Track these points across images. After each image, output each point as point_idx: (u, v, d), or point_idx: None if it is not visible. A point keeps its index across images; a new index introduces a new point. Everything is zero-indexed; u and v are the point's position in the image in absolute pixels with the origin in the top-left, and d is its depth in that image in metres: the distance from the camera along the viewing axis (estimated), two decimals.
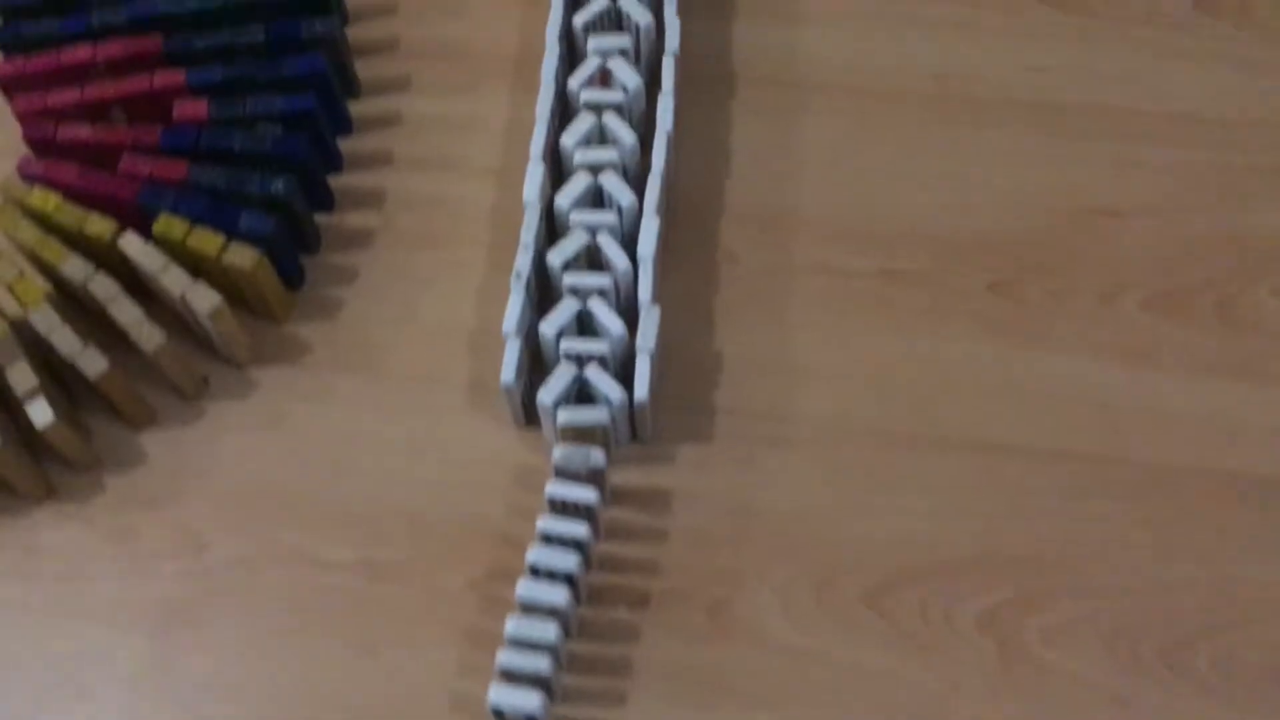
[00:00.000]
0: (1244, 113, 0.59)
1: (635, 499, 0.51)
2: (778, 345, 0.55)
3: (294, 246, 0.57)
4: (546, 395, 0.49)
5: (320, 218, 0.59)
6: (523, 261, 0.52)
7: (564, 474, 0.48)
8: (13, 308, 0.51)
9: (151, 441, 0.54)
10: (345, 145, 0.61)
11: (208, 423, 0.54)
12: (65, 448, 0.51)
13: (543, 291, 0.54)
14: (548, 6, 0.59)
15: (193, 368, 0.54)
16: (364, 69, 0.63)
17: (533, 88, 0.60)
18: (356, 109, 0.62)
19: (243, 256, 0.52)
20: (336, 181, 0.60)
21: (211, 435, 0.54)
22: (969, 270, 0.56)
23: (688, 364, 0.54)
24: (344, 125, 0.61)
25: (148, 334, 0.51)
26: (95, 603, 0.50)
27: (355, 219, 0.59)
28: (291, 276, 0.57)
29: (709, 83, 0.61)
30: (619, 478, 0.51)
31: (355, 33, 0.64)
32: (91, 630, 0.50)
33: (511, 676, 0.45)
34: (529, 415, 0.53)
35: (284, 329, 0.56)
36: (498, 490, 0.52)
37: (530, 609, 0.46)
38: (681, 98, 0.58)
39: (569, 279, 0.51)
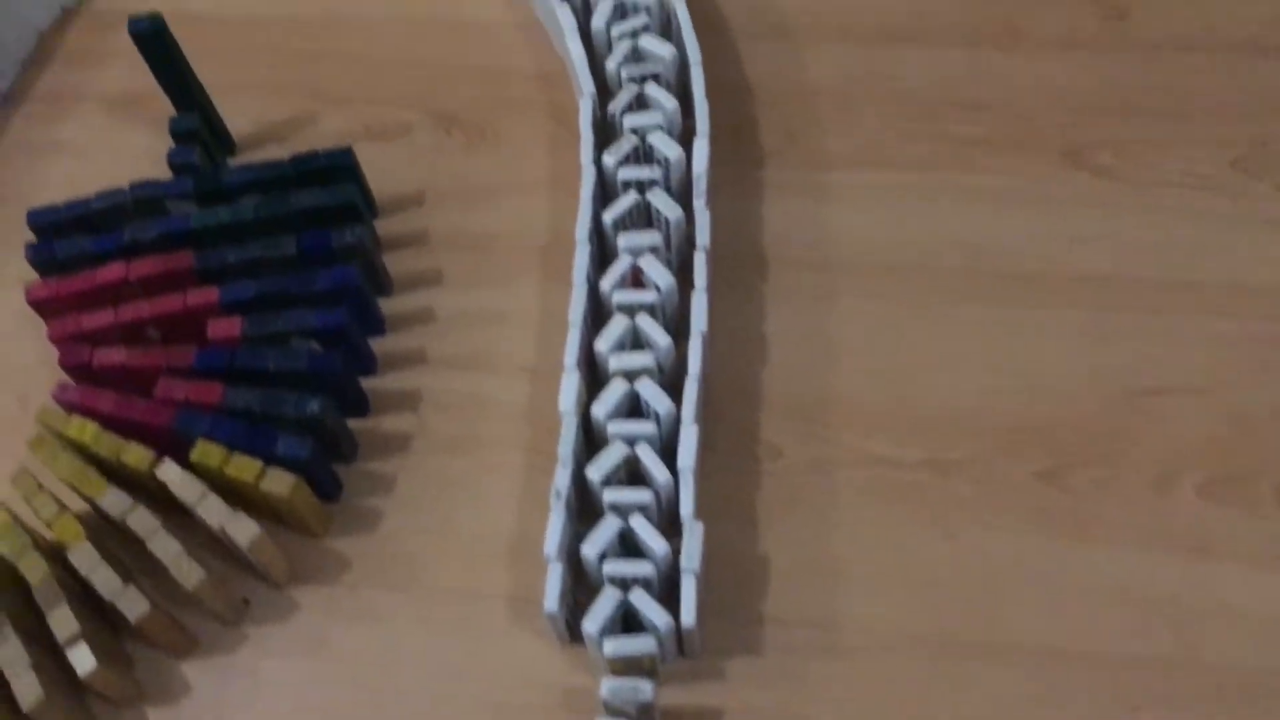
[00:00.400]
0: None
1: (685, 718, 0.50)
2: (823, 546, 0.53)
3: (330, 460, 0.56)
4: (591, 624, 0.48)
5: (355, 422, 0.58)
6: (562, 479, 0.51)
7: (613, 710, 0.47)
8: (48, 539, 0.51)
9: (194, 670, 0.53)
10: (378, 345, 0.61)
11: (250, 648, 0.53)
12: (107, 689, 0.51)
13: (582, 500, 0.53)
14: (574, 196, 0.59)
15: (233, 592, 0.54)
16: (394, 263, 0.63)
17: (562, 278, 0.60)
18: (388, 306, 0.62)
19: (280, 483, 0.52)
20: (370, 383, 0.60)
21: (254, 661, 0.53)
22: (1015, 459, 0.55)
23: (732, 570, 0.53)
24: (376, 326, 0.61)
25: (187, 570, 0.50)
26: None
27: (390, 423, 0.59)
28: (328, 489, 0.56)
29: (738, 265, 0.61)
30: (668, 698, 0.50)
31: (384, 226, 0.64)
32: None
33: None
34: (574, 633, 0.52)
35: (323, 543, 0.56)
36: (544, 712, 0.51)
37: None
38: (712, 283, 0.57)
39: (609, 496, 0.51)
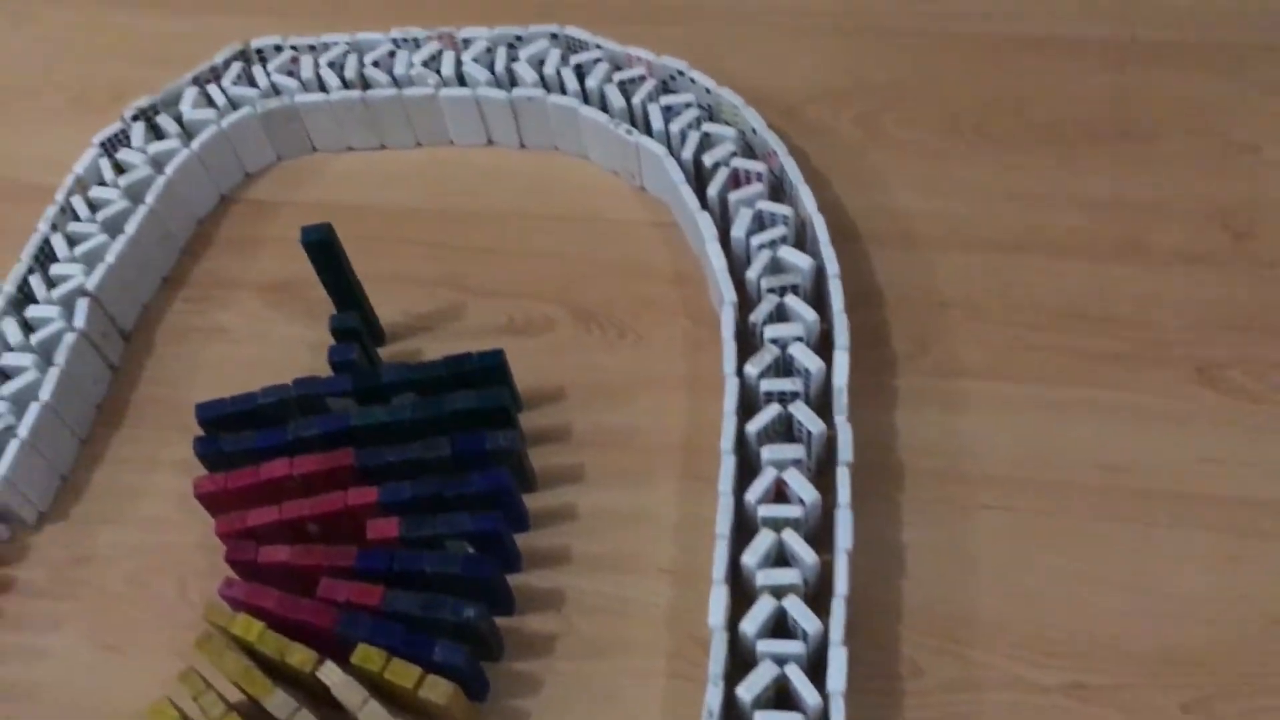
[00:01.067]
0: None
1: None
2: None
3: (480, 661, 0.58)
4: None
5: (502, 620, 0.60)
6: (714, 698, 0.53)
7: None
8: None
9: None
10: (523, 540, 0.62)
11: None
12: None
13: (727, 714, 0.54)
14: (711, 395, 0.62)
15: None
16: (537, 457, 0.65)
17: (699, 477, 0.63)
18: (532, 501, 0.64)
19: (438, 691, 0.53)
20: (516, 579, 0.61)
21: None
22: (1158, 687, 0.55)
23: None
24: (522, 523, 0.63)
25: None
26: None
27: (536, 622, 0.60)
28: (478, 690, 0.58)
29: (873, 473, 0.62)
30: None
31: (527, 419, 0.67)
32: None
33: None
34: None
35: None
36: None
37: None
38: (853, 498, 0.59)
39: (761, 718, 0.52)
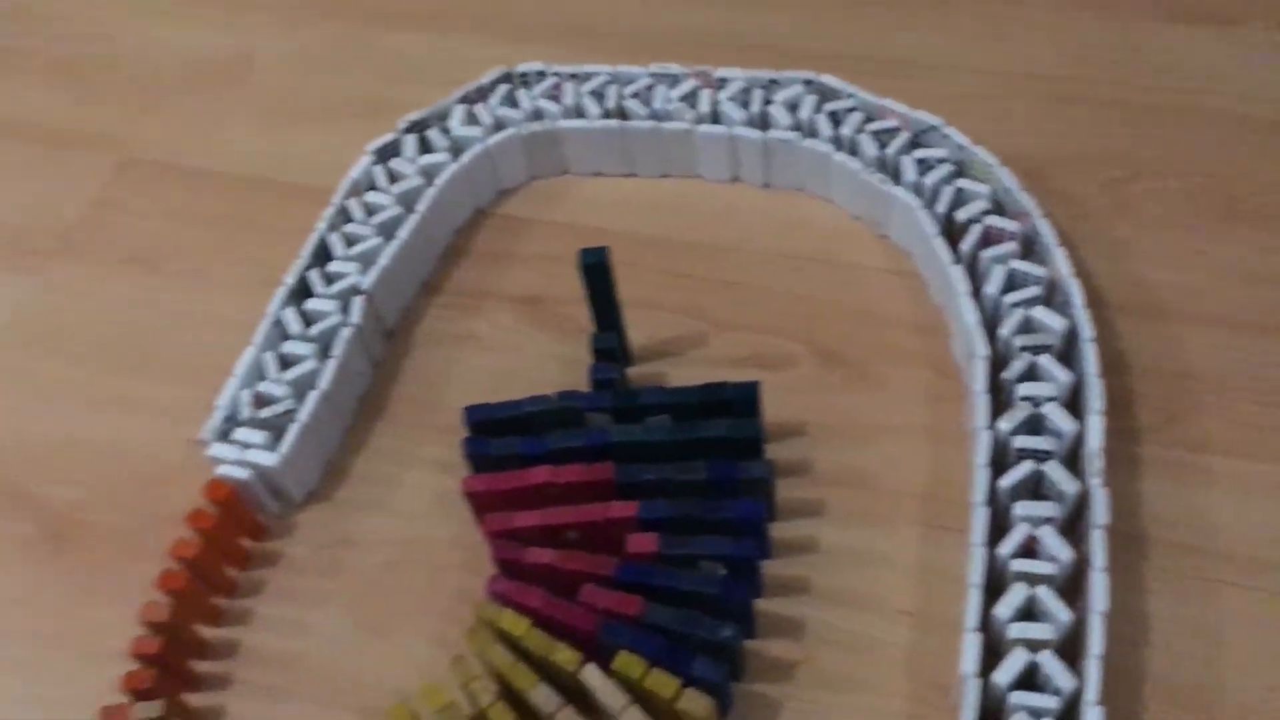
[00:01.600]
0: None
1: None
2: None
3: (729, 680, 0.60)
4: None
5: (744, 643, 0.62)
6: None
7: None
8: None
9: None
10: (764, 569, 0.65)
11: None
12: None
13: None
14: (953, 447, 0.64)
15: None
16: (778, 489, 0.67)
17: (940, 526, 0.64)
18: (773, 531, 0.66)
19: (697, 704, 0.56)
20: (758, 605, 0.64)
21: None
22: None
23: None
24: (765, 551, 0.65)
25: None
26: None
27: (776, 648, 0.62)
28: (723, 704, 0.60)
29: (1118, 541, 0.63)
30: None
31: (768, 451, 0.69)
32: None
33: None
34: None
35: None
36: None
37: None
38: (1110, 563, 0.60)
39: None
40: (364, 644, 0.65)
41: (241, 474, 0.67)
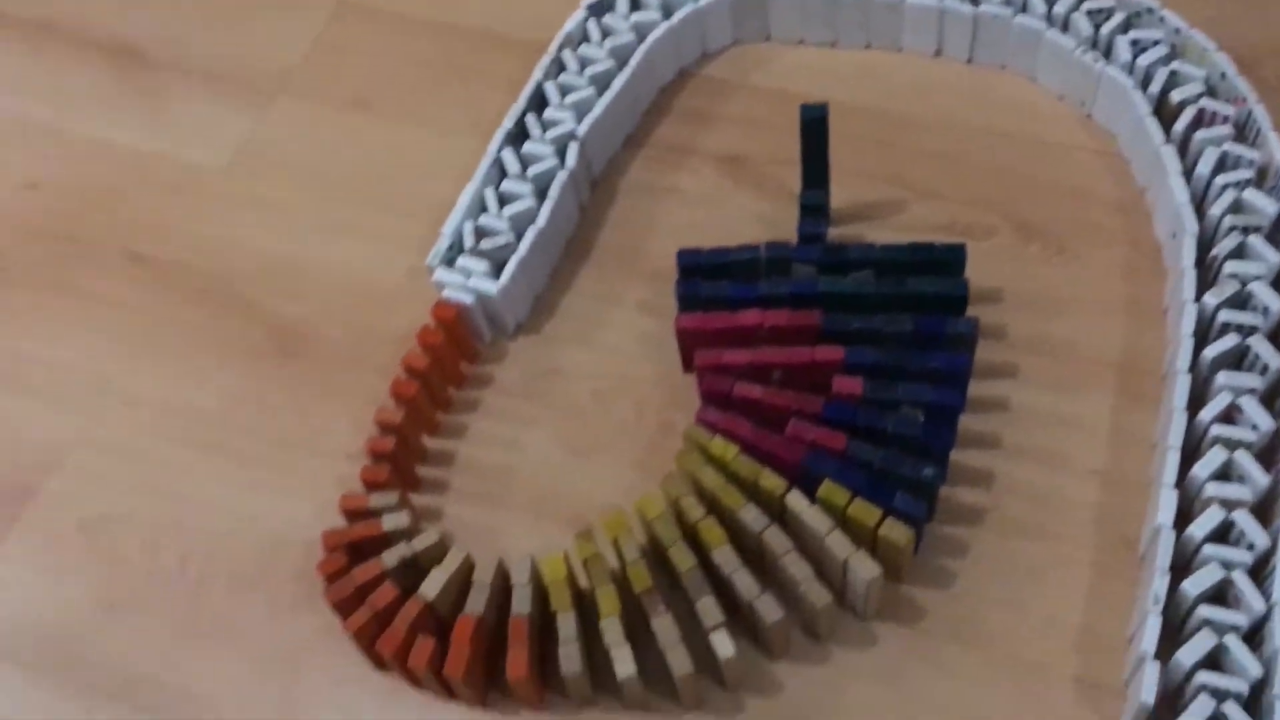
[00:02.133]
0: None
1: None
2: None
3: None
4: None
5: None
6: (1161, 586, 0.57)
7: None
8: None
9: (786, 673, 0.61)
10: (959, 423, 0.67)
11: (833, 666, 0.61)
12: (731, 672, 0.59)
13: (1167, 611, 0.58)
14: (1150, 325, 0.67)
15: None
16: (976, 352, 0.70)
17: (1135, 397, 0.66)
18: (969, 390, 0.69)
19: (898, 533, 0.59)
20: (951, 455, 0.66)
21: (837, 679, 0.61)
22: None
23: None
24: (964, 381, 0.68)
25: (817, 592, 0.59)
26: None
27: (967, 495, 0.66)
28: (916, 538, 0.63)
29: None
30: None
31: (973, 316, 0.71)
32: None
33: None
34: None
35: (901, 589, 0.63)
36: None
37: None
38: None
39: (1205, 612, 0.56)
40: (571, 464, 0.70)
41: (466, 298, 0.71)
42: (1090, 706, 0.58)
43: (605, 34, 0.82)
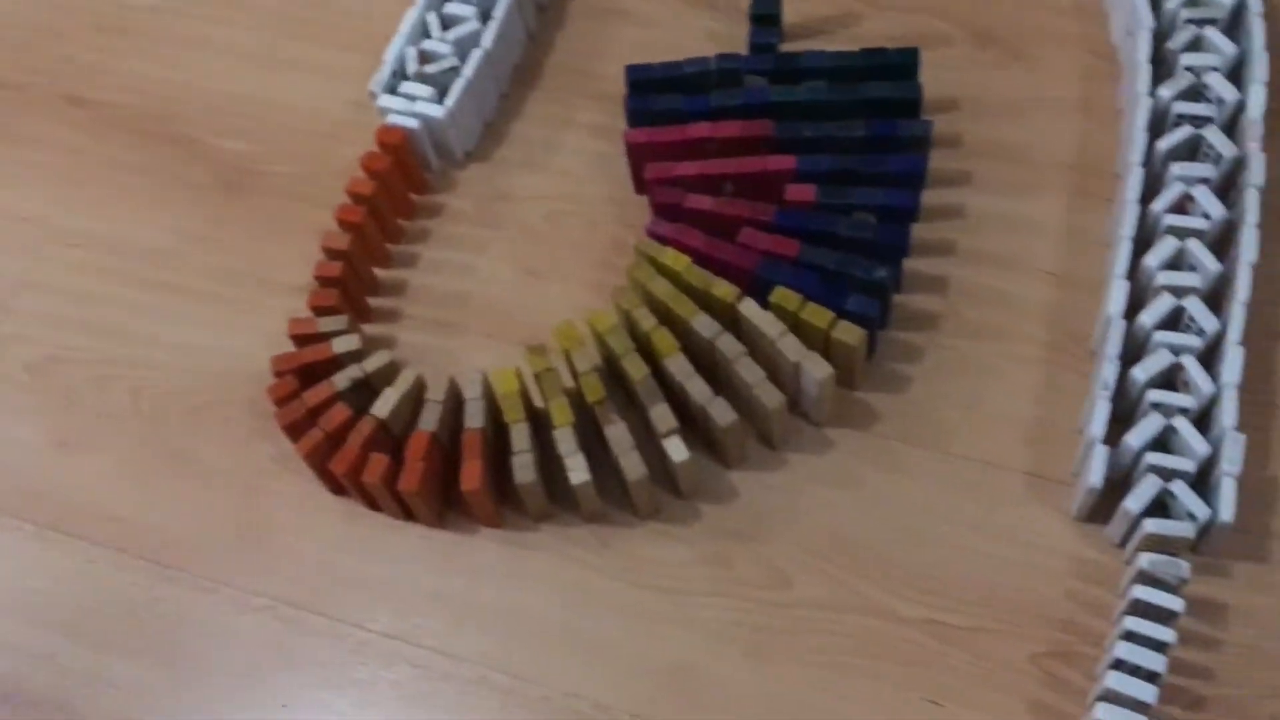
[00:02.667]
0: None
1: (1195, 607, 0.55)
2: None
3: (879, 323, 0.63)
4: (1134, 504, 0.54)
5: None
6: (1109, 373, 0.57)
7: (1151, 581, 0.52)
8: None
9: (741, 481, 0.62)
10: (912, 231, 0.67)
11: (789, 472, 0.62)
12: (686, 478, 0.60)
13: (1116, 402, 0.58)
14: (1104, 124, 0.65)
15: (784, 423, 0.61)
16: (930, 161, 0.69)
17: (1088, 196, 0.66)
18: (923, 198, 0.68)
19: (850, 334, 0.59)
20: (904, 264, 0.66)
21: (793, 484, 0.61)
22: None
23: (1245, 487, 0.57)
24: (915, 211, 0.67)
25: (770, 393, 0.59)
26: (696, 615, 0.58)
27: (921, 301, 0.65)
28: (869, 344, 0.63)
29: (1270, 212, 0.64)
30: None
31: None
32: (693, 639, 0.58)
33: None
34: (1091, 513, 0.57)
35: (856, 395, 0.63)
36: (1056, 576, 0.57)
37: (1119, 700, 0.50)
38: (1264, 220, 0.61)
39: (1155, 396, 0.56)
40: (524, 286, 0.69)
41: (411, 123, 0.70)
42: (1039, 498, 0.59)
43: None
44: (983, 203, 0.68)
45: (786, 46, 0.74)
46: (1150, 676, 0.51)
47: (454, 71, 0.71)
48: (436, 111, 0.70)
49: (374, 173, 0.68)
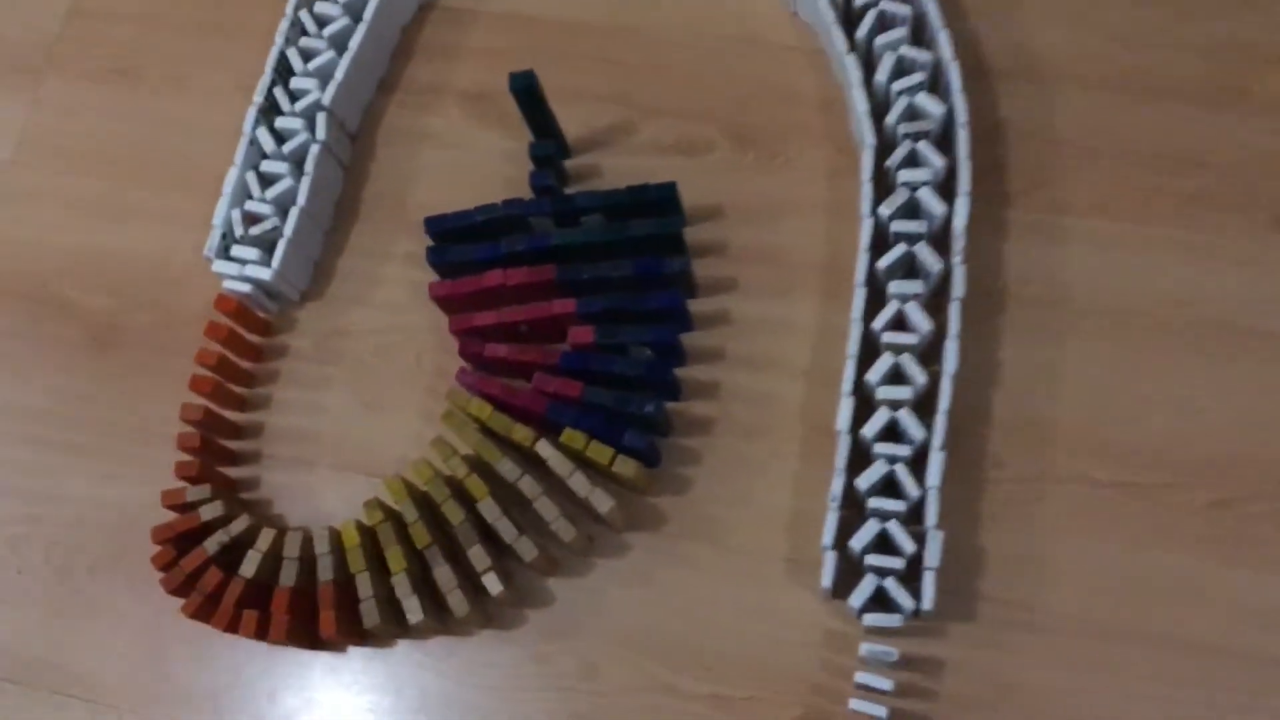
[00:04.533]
0: None
1: (916, 664, 0.69)
2: (1032, 544, 0.70)
3: (655, 439, 0.75)
4: (855, 600, 0.67)
5: (670, 405, 0.76)
6: (837, 487, 0.69)
7: (867, 664, 0.66)
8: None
9: (558, 586, 0.74)
10: (688, 340, 0.77)
11: (597, 575, 0.74)
12: (503, 604, 0.72)
13: (847, 498, 0.70)
14: (849, 220, 0.75)
15: (584, 534, 0.73)
16: (699, 268, 0.79)
17: (836, 293, 0.76)
18: (695, 306, 0.78)
19: (627, 467, 0.71)
20: (682, 372, 0.77)
21: (598, 586, 0.74)
22: (1197, 486, 0.70)
23: (958, 555, 0.70)
24: (687, 326, 0.78)
25: (564, 528, 0.70)
26: (521, 709, 0.72)
27: (698, 408, 0.77)
28: (653, 460, 0.75)
29: (983, 296, 0.75)
30: (903, 647, 0.69)
31: (691, 233, 0.79)
32: None
33: None
34: (835, 593, 0.70)
35: (647, 500, 0.75)
36: (811, 648, 0.70)
37: None
38: (963, 330, 0.72)
39: (874, 503, 0.68)
40: (365, 418, 0.80)
41: (244, 288, 0.79)
42: (797, 580, 0.72)
43: None
44: (747, 308, 0.78)
45: (574, 162, 0.83)
46: None
47: (277, 230, 0.80)
48: (265, 274, 0.79)
49: (219, 339, 0.78)
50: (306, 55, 0.84)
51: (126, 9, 0.93)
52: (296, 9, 0.85)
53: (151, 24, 0.93)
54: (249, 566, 0.72)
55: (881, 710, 0.66)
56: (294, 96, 0.83)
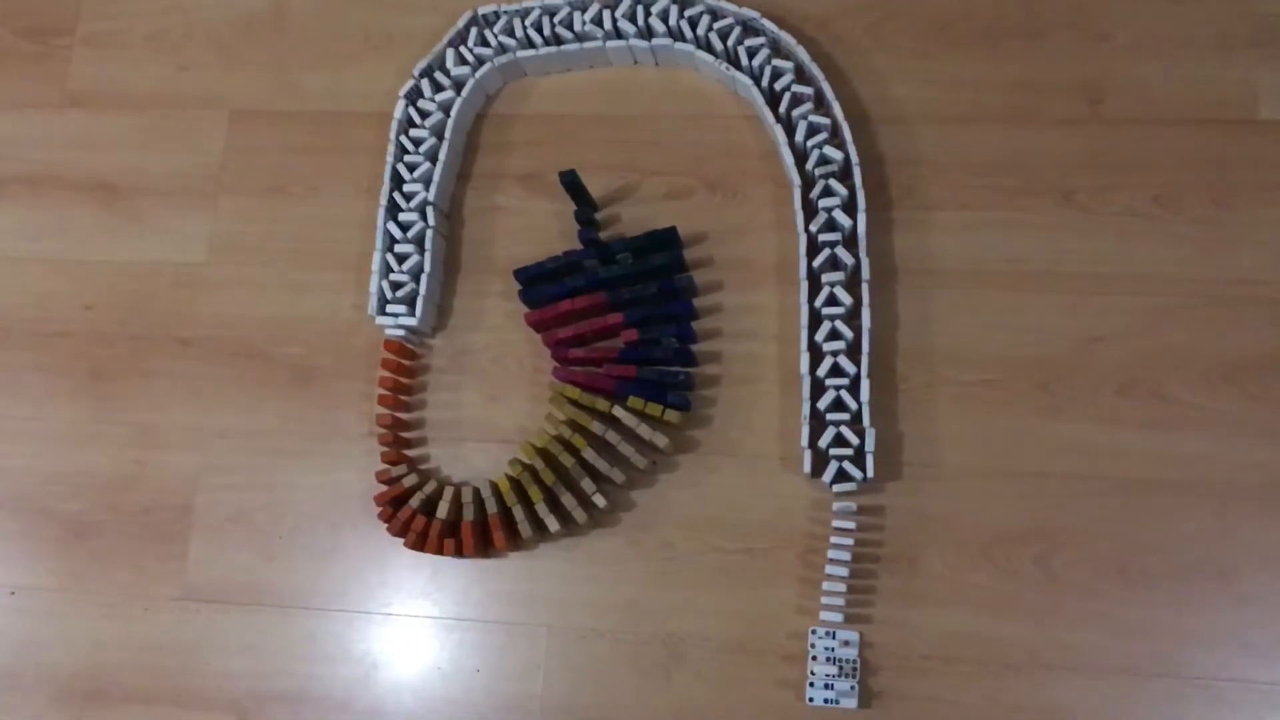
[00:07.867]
0: (1178, 270, 1.12)
1: (868, 509, 1.11)
2: (930, 427, 1.12)
3: (687, 393, 1.16)
4: (826, 477, 1.09)
5: (693, 370, 1.18)
6: (805, 409, 1.11)
7: (839, 515, 1.08)
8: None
9: (638, 495, 1.16)
10: (696, 325, 1.18)
11: (660, 486, 1.15)
12: (601, 508, 1.14)
13: (814, 419, 1.12)
14: (791, 234, 1.16)
15: (651, 459, 1.15)
16: (696, 276, 1.19)
17: (789, 285, 1.17)
18: (697, 302, 1.19)
19: (672, 416, 1.12)
20: (697, 348, 1.18)
21: (663, 491, 1.15)
22: (1025, 376, 1.12)
23: (885, 440, 1.12)
24: (695, 315, 1.19)
25: (638, 459, 1.12)
26: (631, 575, 1.14)
27: (710, 369, 1.18)
28: (686, 407, 1.16)
29: (882, 273, 1.16)
30: (859, 500, 1.11)
31: (687, 253, 1.20)
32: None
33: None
34: (815, 473, 1.12)
35: (685, 433, 1.17)
36: (803, 510, 1.12)
37: (838, 561, 1.07)
38: (872, 300, 1.13)
39: (830, 417, 1.10)
40: (491, 407, 1.20)
41: (399, 332, 1.20)
42: (788, 470, 1.14)
43: (423, 115, 1.25)
44: (731, 299, 1.19)
45: (603, 213, 1.23)
46: (847, 549, 1.07)
47: (414, 290, 1.20)
48: (412, 321, 1.19)
49: (389, 366, 1.19)
50: (411, 167, 1.24)
51: (266, 143, 1.32)
52: (398, 135, 1.24)
53: (287, 152, 1.31)
54: (442, 510, 1.14)
55: (849, 539, 1.08)
56: (408, 197, 1.23)
